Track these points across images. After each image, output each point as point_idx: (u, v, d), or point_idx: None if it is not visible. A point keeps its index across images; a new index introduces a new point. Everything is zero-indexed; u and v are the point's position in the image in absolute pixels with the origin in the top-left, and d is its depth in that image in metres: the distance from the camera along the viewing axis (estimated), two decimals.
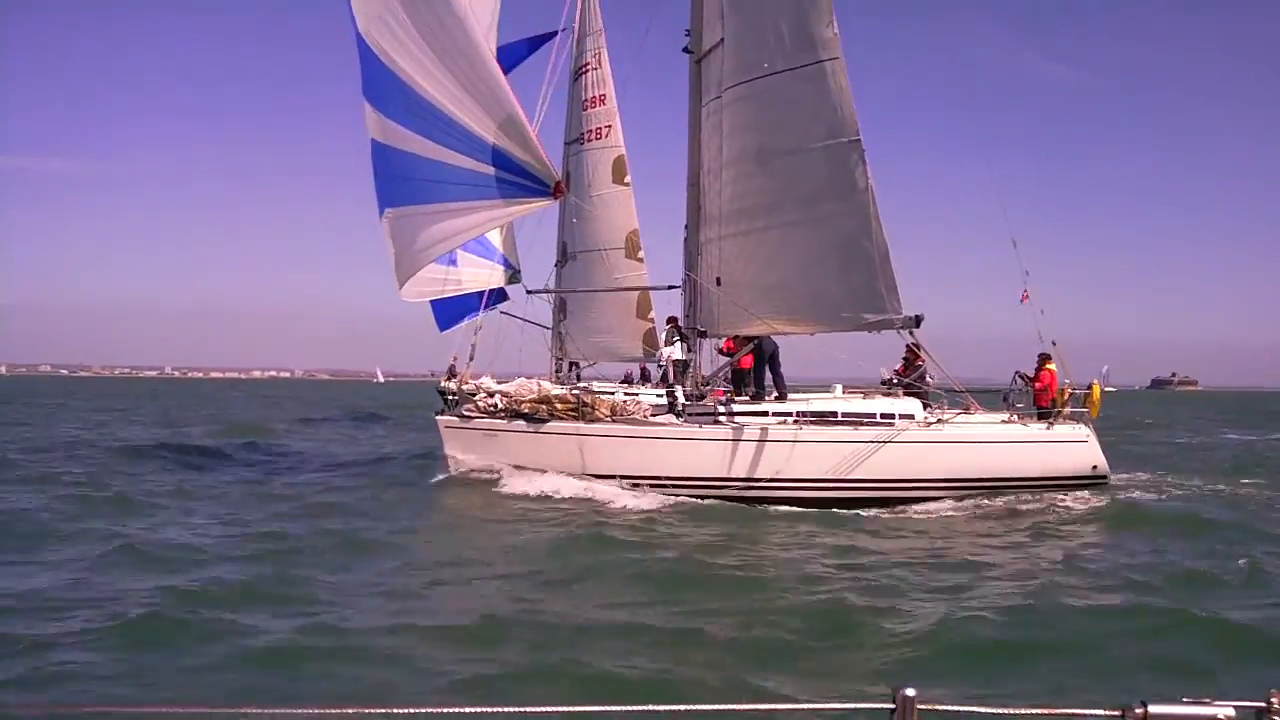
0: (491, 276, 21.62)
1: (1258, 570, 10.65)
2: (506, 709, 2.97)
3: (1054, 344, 17.13)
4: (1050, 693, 6.72)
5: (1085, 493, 16.07)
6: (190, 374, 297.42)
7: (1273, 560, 11.24)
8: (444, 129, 15.64)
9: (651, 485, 15.76)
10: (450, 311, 22.71)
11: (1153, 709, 2.45)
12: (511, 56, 24.09)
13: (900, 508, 15.34)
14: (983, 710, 2.78)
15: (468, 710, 2.92)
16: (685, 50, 17.89)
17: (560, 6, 19.67)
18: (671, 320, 18.89)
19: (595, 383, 25.22)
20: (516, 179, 15.76)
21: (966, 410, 16.47)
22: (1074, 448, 16.32)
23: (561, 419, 16.55)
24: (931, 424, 16.00)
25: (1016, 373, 17.64)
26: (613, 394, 19.61)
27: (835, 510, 15.01)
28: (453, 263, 20.22)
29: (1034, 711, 2.89)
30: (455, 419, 17.31)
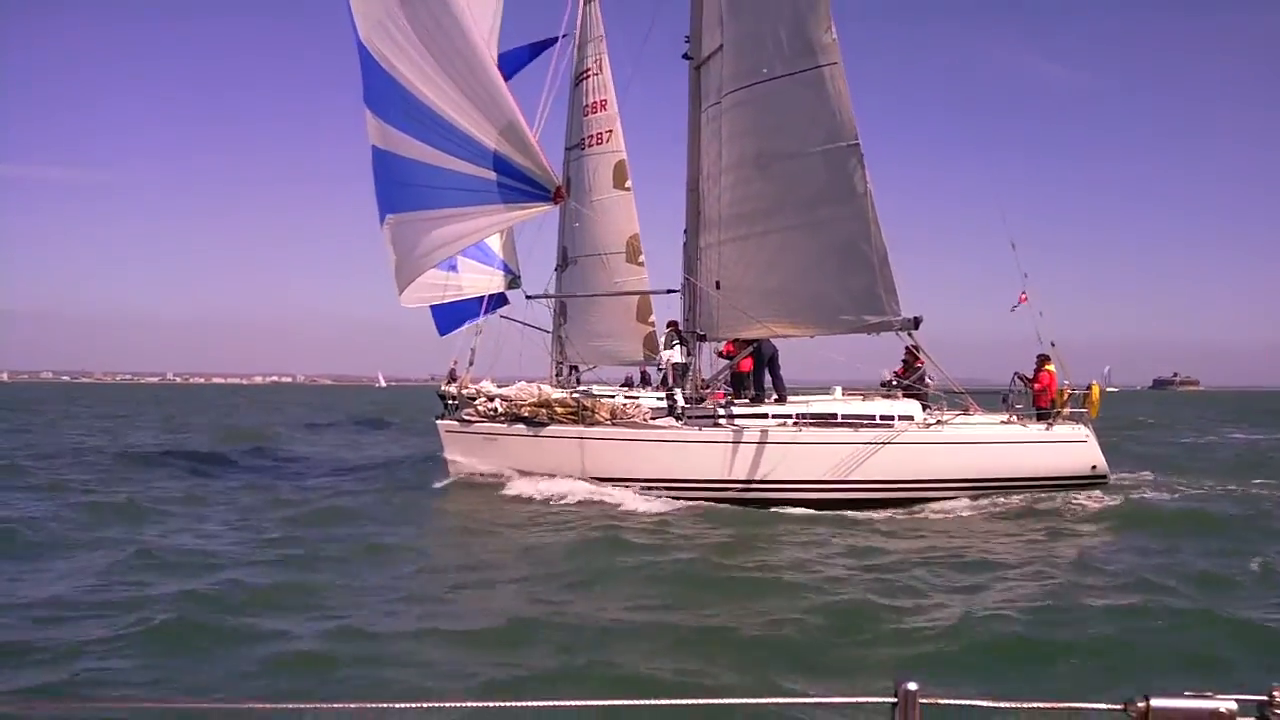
0: (491, 282, 21.68)
1: (1270, 570, 10.75)
2: (510, 704, 3.01)
3: (1053, 345, 17.23)
4: (1066, 691, 6.77)
5: (1098, 492, 16.17)
6: (192, 380, 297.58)
7: None
8: (444, 134, 15.70)
9: (651, 488, 15.81)
10: (450, 316, 22.75)
11: (1155, 703, 2.43)
12: (512, 63, 24.20)
13: (916, 508, 15.41)
14: (984, 704, 2.76)
15: (469, 705, 2.97)
16: (685, 56, 17.97)
17: (561, 12, 19.70)
18: (672, 324, 18.95)
19: (595, 386, 25.30)
20: (517, 184, 15.81)
21: (966, 411, 16.53)
22: (1073, 448, 16.37)
23: (561, 422, 16.61)
24: (931, 425, 16.07)
25: (1016, 374, 17.70)
26: (613, 397, 19.68)
27: (846, 512, 15.08)
28: (453, 268, 20.28)
29: (1036, 705, 2.85)
30: (455, 423, 17.37)
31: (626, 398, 21.91)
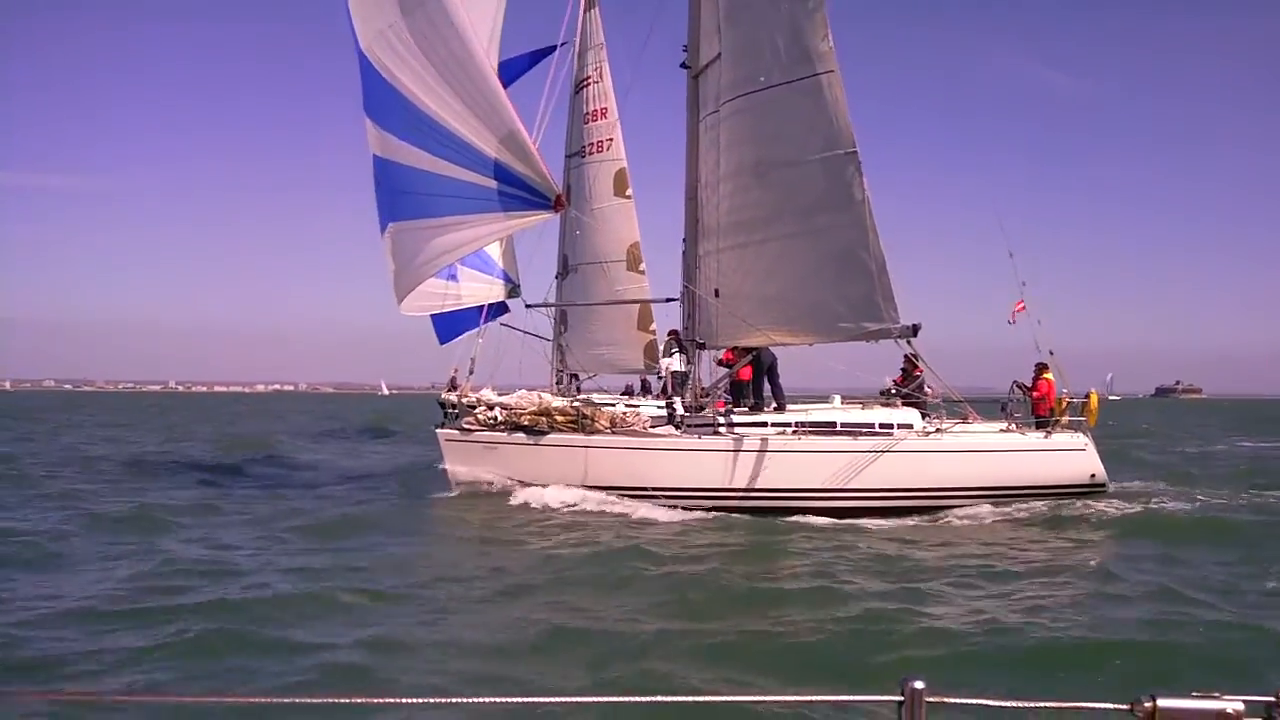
0: (491, 291, 21.69)
1: None
2: (513, 700, 3.02)
3: (1051, 353, 17.25)
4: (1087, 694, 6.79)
5: (1117, 500, 16.28)
6: (194, 388, 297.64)
7: None
8: (445, 143, 15.74)
9: (650, 497, 15.81)
10: (450, 325, 22.78)
11: (1162, 703, 2.42)
12: (512, 71, 24.21)
13: (938, 515, 15.44)
14: (990, 703, 2.74)
15: (472, 701, 2.97)
16: (683, 65, 18.02)
17: (562, 21, 19.74)
18: (673, 333, 18.96)
19: (595, 395, 25.29)
20: (517, 192, 15.85)
21: (965, 420, 16.56)
22: (1072, 456, 16.36)
23: (561, 431, 16.62)
24: (930, 434, 16.07)
25: (1014, 382, 17.70)
26: (613, 406, 19.67)
27: (864, 520, 15.11)
28: (452, 277, 20.31)
29: (1042, 705, 2.83)
30: (455, 432, 17.37)
31: (627, 406, 21.91)
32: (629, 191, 26.97)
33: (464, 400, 17.53)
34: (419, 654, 7.85)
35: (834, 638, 8.39)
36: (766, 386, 17.34)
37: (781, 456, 15.71)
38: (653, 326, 26.19)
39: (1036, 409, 17.09)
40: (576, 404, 17.78)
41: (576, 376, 28.01)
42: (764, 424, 16.26)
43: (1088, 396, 16.91)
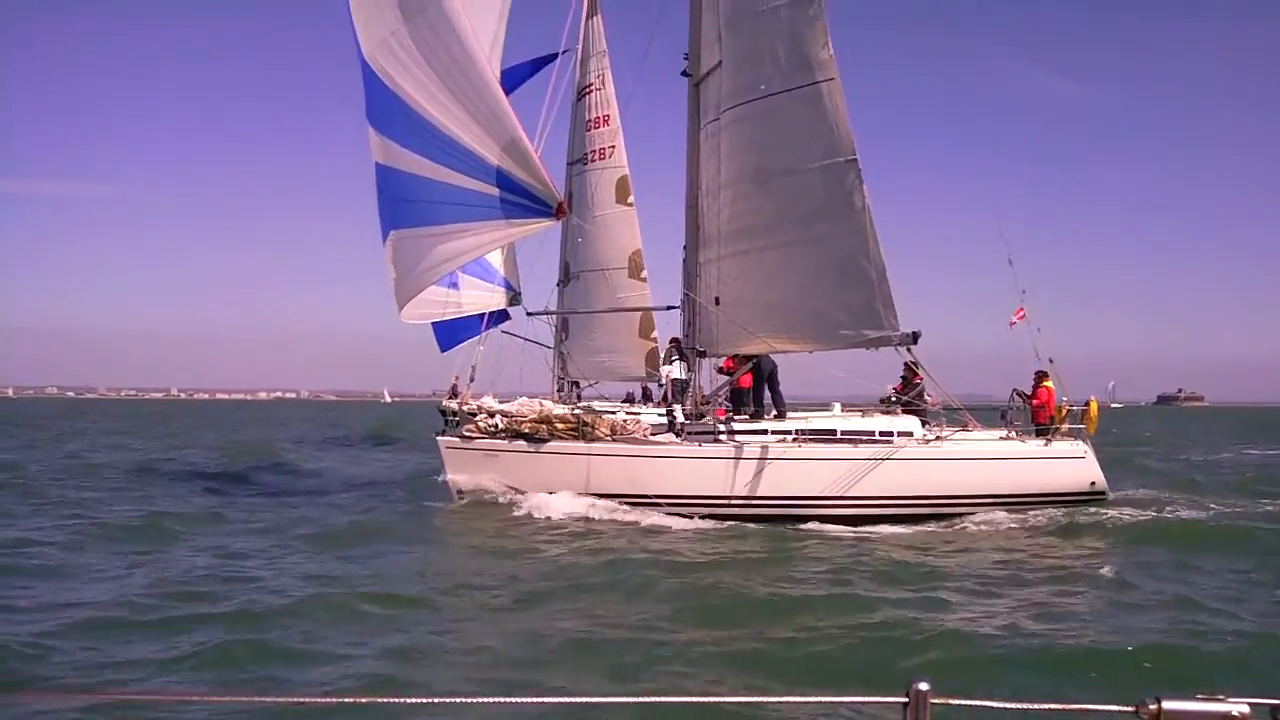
0: (492, 299, 21.77)
1: None
2: (515, 699, 3.03)
3: (1051, 361, 17.28)
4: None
5: (1135, 509, 16.36)
6: (196, 395, 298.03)
7: None
8: (447, 150, 15.78)
9: (651, 504, 15.82)
10: (451, 333, 22.85)
11: (1167, 705, 2.41)
12: (514, 79, 24.32)
13: (955, 522, 15.49)
14: (994, 704, 2.74)
15: (476, 701, 2.98)
16: (684, 74, 18.08)
17: (563, 28, 19.78)
18: (675, 341, 18.99)
19: (596, 402, 25.32)
20: (519, 200, 15.87)
21: (965, 427, 16.57)
22: (1072, 464, 16.37)
23: (562, 439, 16.63)
24: (930, 441, 16.09)
25: (1014, 390, 17.74)
26: (614, 413, 19.70)
27: (880, 528, 15.20)
28: (453, 285, 20.38)
29: (1047, 707, 2.82)
30: (456, 439, 17.40)
31: (628, 414, 21.94)
32: (631, 199, 27.00)
33: (465, 408, 17.57)
34: (443, 661, 7.90)
35: (852, 644, 8.42)
36: (767, 394, 17.35)
37: (782, 464, 15.72)
38: (654, 334, 26.22)
39: (1036, 417, 17.11)
40: (577, 411, 17.80)
41: (577, 384, 28.02)
42: (764, 431, 16.27)
43: (1087, 404, 16.94)
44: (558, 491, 16.14)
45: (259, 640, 8.28)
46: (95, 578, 11.11)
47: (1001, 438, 16.66)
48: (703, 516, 15.56)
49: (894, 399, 17.49)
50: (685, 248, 18.20)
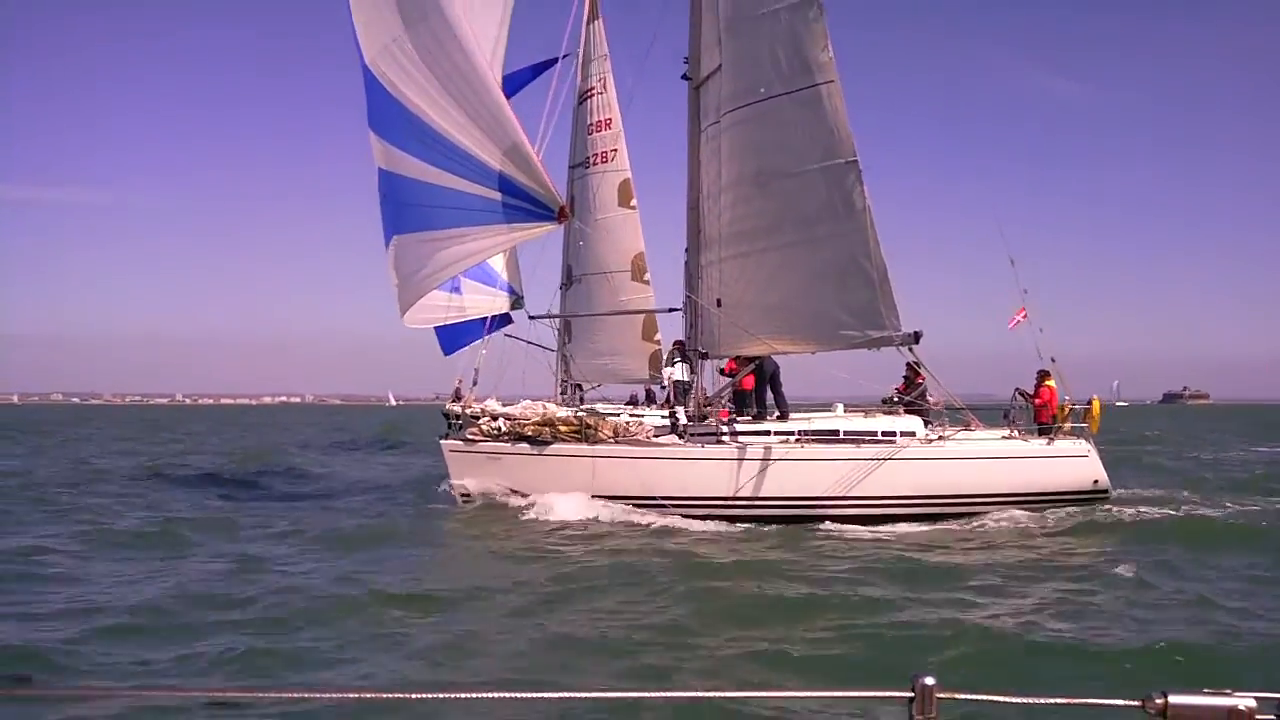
0: (494, 303, 21.81)
1: None
2: (515, 695, 3.02)
3: (1053, 360, 17.31)
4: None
5: (1149, 507, 16.45)
6: (201, 400, 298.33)
7: None
8: (448, 155, 15.81)
9: (655, 506, 15.87)
10: (453, 337, 22.90)
11: (1173, 699, 2.40)
12: (516, 83, 24.36)
13: (971, 520, 15.54)
14: (1001, 699, 2.71)
15: (477, 696, 2.94)
16: (684, 77, 18.13)
17: (564, 33, 19.83)
18: (679, 344, 19.02)
19: (600, 405, 25.35)
20: (521, 204, 15.90)
21: (967, 427, 16.60)
22: (1075, 463, 16.40)
23: (565, 441, 16.68)
24: (933, 441, 16.12)
25: (1016, 389, 17.76)
26: (617, 416, 19.73)
27: (898, 526, 15.26)
28: (456, 289, 20.43)
29: (1054, 701, 2.78)
30: (459, 442, 17.44)
31: (631, 416, 21.99)
32: (633, 202, 26.96)
33: (468, 411, 17.61)
34: (470, 662, 7.99)
35: (873, 642, 8.45)
36: (769, 395, 17.39)
37: (785, 465, 15.75)
38: (657, 337, 26.20)
39: (1039, 416, 17.15)
40: (580, 414, 17.86)
41: (580, 387, 28.06)
42: (767, 432, 16.31)
43: (1090, 403, 16.97)
44: (561, 494, 16.14)
45: (284, 643, 8.33)
46: (114, 584, 11.13)
47: (1004, 437, 16.69)
48: (706, 518, 15.60)
49: (896, 399, 17.53)
50: (687, 250, 18.24)
